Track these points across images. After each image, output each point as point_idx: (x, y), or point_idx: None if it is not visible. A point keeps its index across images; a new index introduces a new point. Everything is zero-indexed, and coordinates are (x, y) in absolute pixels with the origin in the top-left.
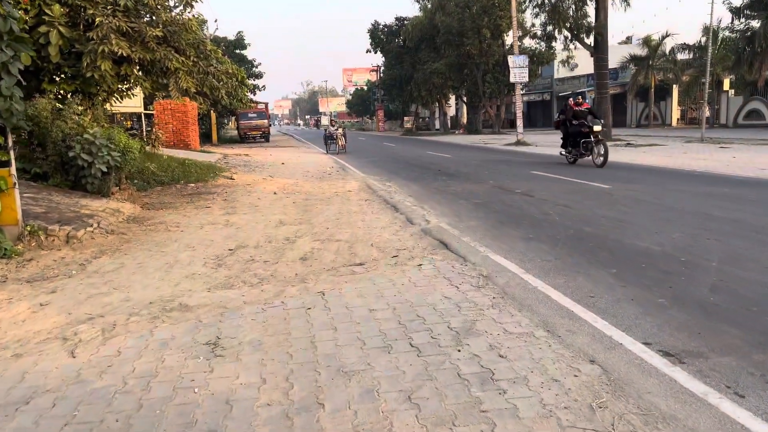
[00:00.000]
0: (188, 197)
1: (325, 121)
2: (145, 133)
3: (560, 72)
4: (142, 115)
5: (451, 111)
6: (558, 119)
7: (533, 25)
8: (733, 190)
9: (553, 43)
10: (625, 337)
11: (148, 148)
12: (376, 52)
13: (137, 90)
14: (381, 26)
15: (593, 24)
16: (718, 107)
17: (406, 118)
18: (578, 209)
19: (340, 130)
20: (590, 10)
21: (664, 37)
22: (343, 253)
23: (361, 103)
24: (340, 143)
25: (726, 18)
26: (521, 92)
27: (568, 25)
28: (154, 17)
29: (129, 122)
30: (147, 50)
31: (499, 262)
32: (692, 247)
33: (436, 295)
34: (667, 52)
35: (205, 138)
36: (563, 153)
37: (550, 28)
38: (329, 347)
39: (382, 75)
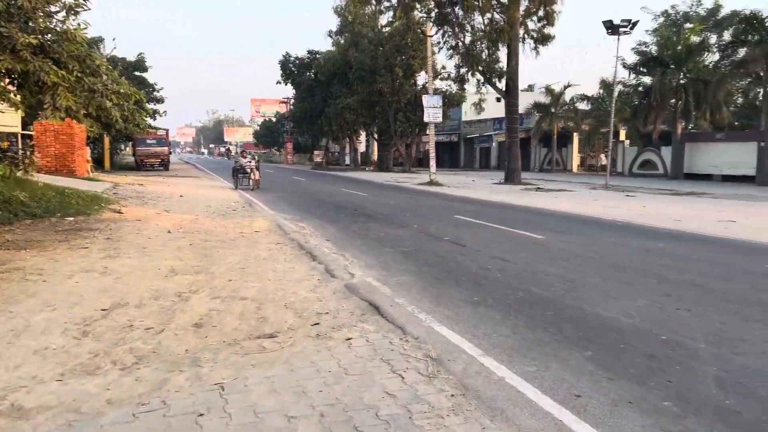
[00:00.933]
0: (62, 234)
1: (235, 150)
2: (20, 156)
3: (468, 114)
4: (19, 135)
5: (362, 147)
6: None
7: (443, 67)
8: (667, 245)
9: (465, 86)
10: None
11: (19, 173)
12: (286, 84)
13: (5, 106)
14: (293, 58)
15: (505, 69)
16: (615, 156)
17: (316, 152)
18: (518, 264)
19: (254, 162)
20: (503, 55)
21: (566, 87)
22: (249, 317)
23: (269, 135)
24: (253, 177)
25: (622, 73)
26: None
27: (481, 68)
28: (30, 23)
29: (6, 143)
30: (18, 60)
31: (448, 337)
32: (666, 321)
33: (377, 391)
34: (568, 101)
35: (97, 164)
36: None
37: (463, 70)
38: None
39: (292, 107)
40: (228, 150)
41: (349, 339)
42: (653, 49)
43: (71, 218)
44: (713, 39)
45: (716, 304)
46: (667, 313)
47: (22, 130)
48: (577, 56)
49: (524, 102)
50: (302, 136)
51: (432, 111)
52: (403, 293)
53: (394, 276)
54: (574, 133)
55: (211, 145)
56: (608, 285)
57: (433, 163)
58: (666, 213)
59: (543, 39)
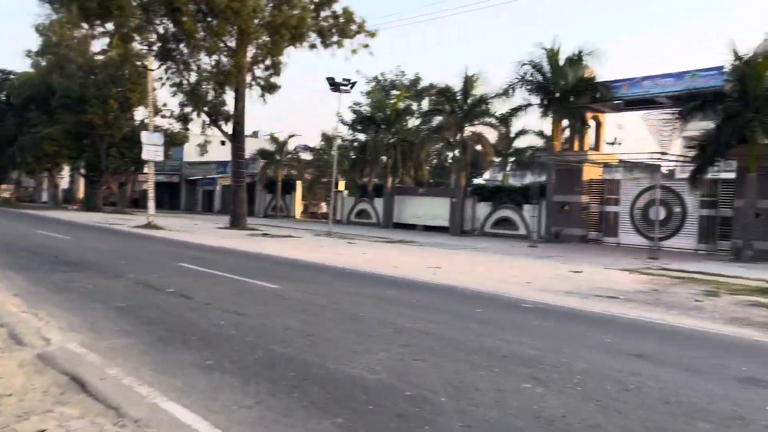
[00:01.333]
0: None
1: None
2: None
3: (191, 155)
4: None
5: (64, 183)
6: None
7: (165, 104)
8: (394, 292)
9: (189, 126)
10: None
11: None
12: None
13: None
14: None
15: (232, 112)
16: (336, 205)
17: (3, 186)
18: (255, 318)
19: None
20: (230, 98)
21: (290, 137)
22: None
23: None
24: None
25: (342, 128)
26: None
27: (206, 109)
28: None
29: None
30: None
31: (178, 415)
32: (408, 374)
33: None
34: (292, 150)
35: None
36: None
37: (188, 109)
38: None
39: None
40: None
41: (43, 431)
42: (366, 109)
43: None
44: (416, 106)
45: (447, 352)
46: (408, 365)
47: None
48: (304, 108)
49: (250, 148)
50: None
51: (152, 148)
52: (119, 361)
53: (106, 339)
54: (298, 181)
55: None
56: (349, 338)
57: (152, 204)
58: (385, 259)
59: (270, 87)
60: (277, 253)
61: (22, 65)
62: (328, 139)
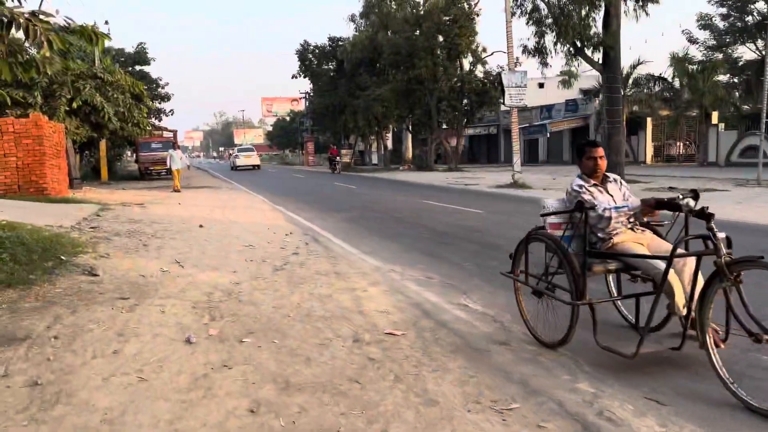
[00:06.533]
0: None
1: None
2: None
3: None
4: None
5: (389, 143)
6: None
7: (484, 49)
8: None
9: (548, 60)
10: None
11: None
12: (305, 76)
13: None
14: (311, 47)
15: (602, 35)
16: (706, 143)
17: (344, 152)
18: None
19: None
20: (598, 18)
21: (635, 66)
22: None
23: (283, 135)
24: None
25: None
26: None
27: (579, 36)
28: None
29: None
30: None
31: None
32: None
33: None
34: (643, 80)
35: (95, 174)
36: None
37: (549, 38)
38: None
39: (311, 102)
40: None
41: None
42: None
43: None
44: None
45: None
46: None
47: None
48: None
49: (576, 88)
50: (324, 134)
51: (514, 91)
52: None
53: None
54: (648, 119)
55: (221, 148)
56: None
57: (517, 158)
58: None
59: None
60: (742, 218)
61: (346, 32)
62: (679, 62)
